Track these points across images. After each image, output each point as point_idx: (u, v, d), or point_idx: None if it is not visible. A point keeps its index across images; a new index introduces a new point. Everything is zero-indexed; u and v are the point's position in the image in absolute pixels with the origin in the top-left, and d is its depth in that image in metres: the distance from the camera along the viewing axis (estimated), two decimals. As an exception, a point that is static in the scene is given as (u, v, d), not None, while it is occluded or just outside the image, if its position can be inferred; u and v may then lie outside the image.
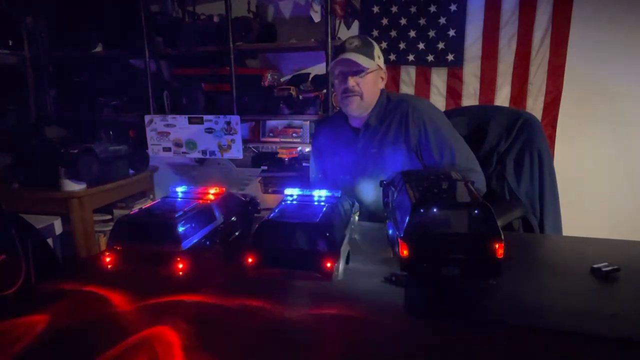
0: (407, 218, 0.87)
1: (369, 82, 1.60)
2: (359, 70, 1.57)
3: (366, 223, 1.37)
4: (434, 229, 0.87)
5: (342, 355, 0.73)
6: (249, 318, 0.85)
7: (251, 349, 0.76)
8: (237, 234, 1.20)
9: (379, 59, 1.63)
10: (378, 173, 1.59)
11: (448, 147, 1.59)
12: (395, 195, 1.07)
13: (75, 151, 2.38)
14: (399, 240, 0.88)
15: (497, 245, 0.84)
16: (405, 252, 0.87)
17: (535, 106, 2.73)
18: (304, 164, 2.81)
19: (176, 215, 0.97)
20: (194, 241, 0.98)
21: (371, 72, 1.59)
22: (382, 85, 1.68)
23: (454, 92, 2.85)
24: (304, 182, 2.70)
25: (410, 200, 0.92)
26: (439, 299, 0.92)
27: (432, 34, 2.82)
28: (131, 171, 2.84)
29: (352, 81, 1.57)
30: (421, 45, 2.85)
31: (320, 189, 1.49)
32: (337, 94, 1.68)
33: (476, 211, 0.87)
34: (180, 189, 1.20)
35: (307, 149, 2.85)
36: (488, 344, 0.76)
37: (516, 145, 1.72)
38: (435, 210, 0.87)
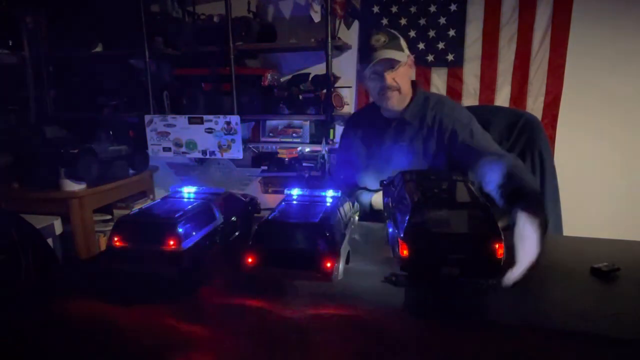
0: (407, 218, 0.87)
1: (404, 74, 1.59)
2: (393, 66, 1.55)
3: (366, 223, 1.37)
4: (434, 228, 0.87)
5: (342, 355, 0.73)
6: (249, 318, 0.85)
7: (251, 349, 0.76)
8: (237, 234, 1.20)
9: (406, 49, 1.60)
10: (404, 166, 1.56)
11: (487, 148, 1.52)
12: (395, 195, 1.07)
13: (75, 151, 2.38)
14: (398, 240, 0.88)
15: (497, 245, 0.84)
16: (405, 252, 0.87)
17: (535, 106, 2.73)
18: (304, 164, 2.81)
19: (176, 215, 0.97)
20: (194, 241, 0.98)
21: (405, 63, 1.58)
22: (412, 73, 1.65)
23: (454, 92, 2.85)
24: (304, 182, 2.70)
25: (410, 199, 0.92)
26: (439, 299, 0.92)
27: (432, 34, 2.82)
28: (131, 171, 2.84)
29: (389, 78, 1.55)
30: (421, 45, 2.85)
31: (342, 175, 1.45)
32: (372, 94, 1.65)
33: (476, 211, 0.87)
34: (180, 189, 1.20)
35: (307, 149, 2.85)
36: (488, 343, 0.76)
37: (517, 145, 1.71)
38: (435, 210, 0.87)
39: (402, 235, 0.87)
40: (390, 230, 1.01)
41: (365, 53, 1.58)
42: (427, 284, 0.93)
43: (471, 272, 0.87)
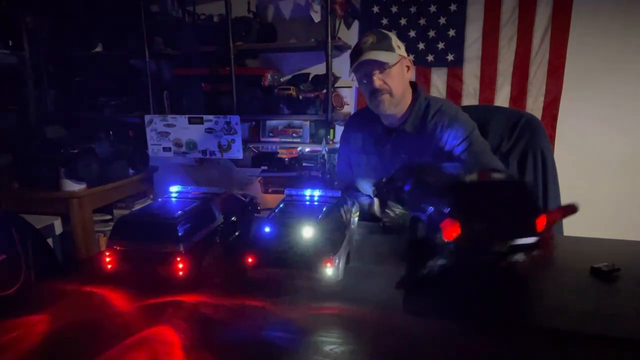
0: (453, 195, 0.87)
1: (395, 75, 1.52)
2: (381, 68, 1.50)
3: (366, 223, 1.37)
4: (484, 204, 0.86)
5: (342, 355, 0.73)
6: (249, 318, 0.85)
7: (251, 349, 0.76)
8: (237, 234, 1.20)
9: (400, 49, 1.54)
10: None
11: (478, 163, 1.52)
12: (410, 186, 1.05)
13: (75, 151, 2.38)
14: (447, 220, 0.84)
15: (539, 219, 0.86)
16: (456, 232, 0.82)
17: (535, 106, 2.73)
18: (304, 164, 2.81)
19: (176, 215, 0.97)
20: (194, 241, 0.98)
21: (395, 64, 1.51)
22: (409, 75, 1.60)
23: (453, 92, 2.85)
24: (304, 182, 2.70)
25: (447, 181, 0.92)
26: (438, 299, 0.92)
27: (432, 34, 2.82)
28: (131, 171, 2.84)
29: (377, 81, 1.50)
30: (421, 45, 2.85)
31: (345, 181, 1.46)
32: (365, 97, 1.61)
33: (518, 186, 0.89)
34: (180, 189, 1.20)
35: (307, 149, 2.85)
36: (488, 343, 0.76)
37: (518, 146, 1.71)
38: (479, 187, 0.88)
39: (452, 214, 0.85)
40: (424, 216, 0.96)
41: (353, 55, 1.54)
42: (475, 262, 0.89)
43: (516, 246, 0.87)
